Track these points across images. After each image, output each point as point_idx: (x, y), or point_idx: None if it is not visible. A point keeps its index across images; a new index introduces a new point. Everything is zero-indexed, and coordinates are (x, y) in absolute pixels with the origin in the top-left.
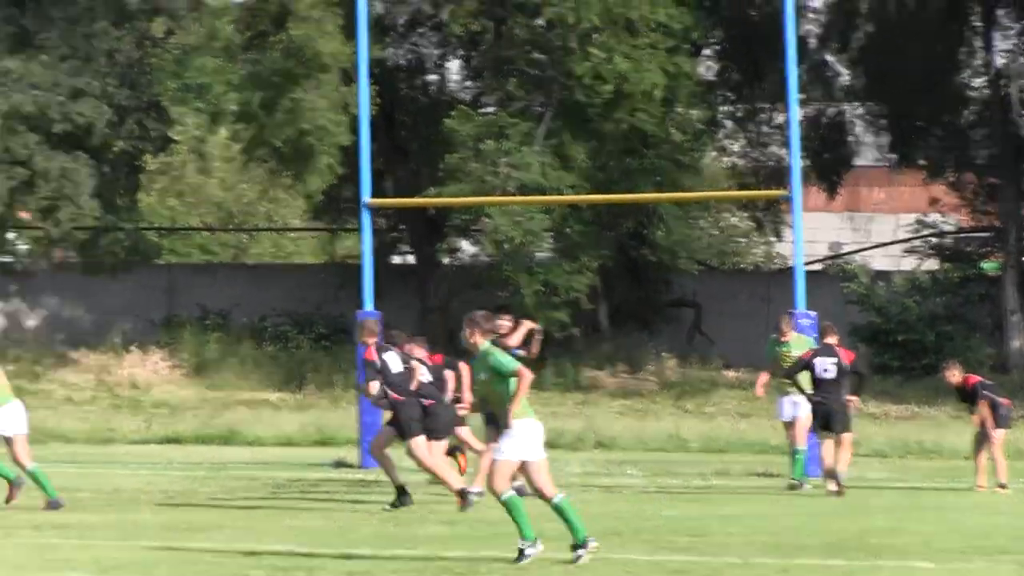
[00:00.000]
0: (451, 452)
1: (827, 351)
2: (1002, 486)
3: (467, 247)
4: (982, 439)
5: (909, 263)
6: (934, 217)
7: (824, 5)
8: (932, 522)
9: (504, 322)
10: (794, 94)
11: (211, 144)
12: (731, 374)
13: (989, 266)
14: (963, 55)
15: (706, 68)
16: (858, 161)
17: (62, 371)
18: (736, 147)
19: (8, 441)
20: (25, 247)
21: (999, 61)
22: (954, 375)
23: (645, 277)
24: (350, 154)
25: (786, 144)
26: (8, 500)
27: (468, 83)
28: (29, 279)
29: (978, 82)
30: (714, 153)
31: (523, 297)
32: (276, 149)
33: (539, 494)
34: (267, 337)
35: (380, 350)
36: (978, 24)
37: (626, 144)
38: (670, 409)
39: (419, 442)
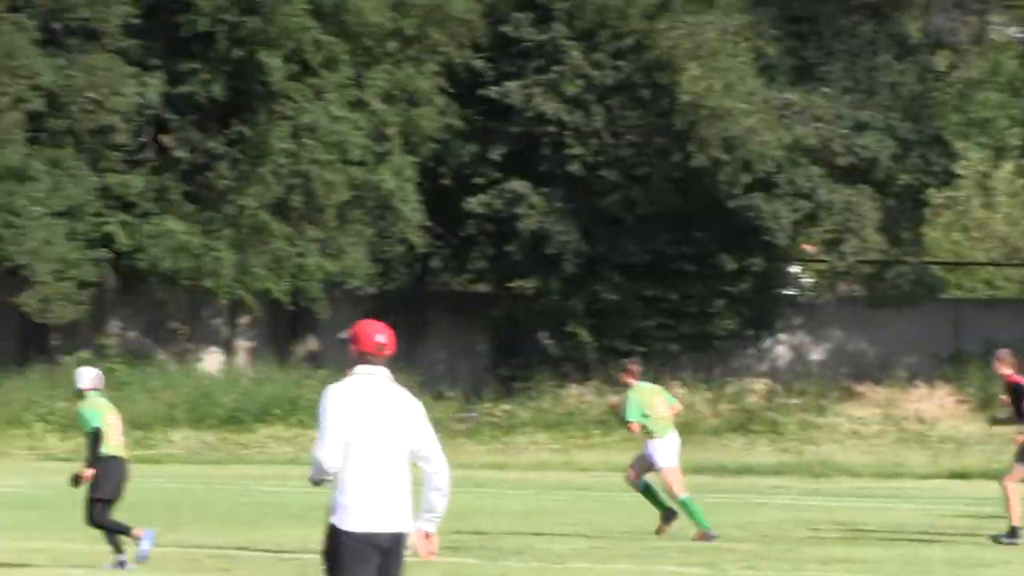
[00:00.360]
0: None
1: None
2: None
3: None
4: None
5: None
6: None
7: None
8: None
9: None
10: None
11: (995, 179)
12: None
13: None
14: None
15: None
16: None
17: (847, 404)
18: None
19: (662, 472)
20: (810, 280)
21: None
22: None
23: None
24: None
25: None
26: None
27: None
28: (814, 312)
29: None
30: None
31: None
32: None
33: None
34: None
35: None
36: None
37: None
38: None
39: None
